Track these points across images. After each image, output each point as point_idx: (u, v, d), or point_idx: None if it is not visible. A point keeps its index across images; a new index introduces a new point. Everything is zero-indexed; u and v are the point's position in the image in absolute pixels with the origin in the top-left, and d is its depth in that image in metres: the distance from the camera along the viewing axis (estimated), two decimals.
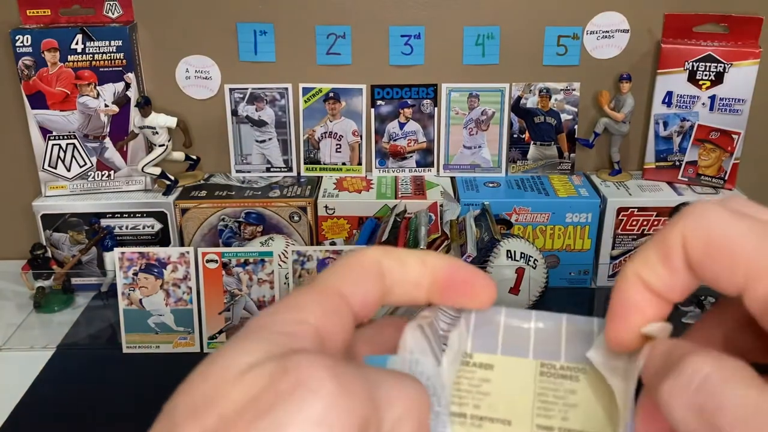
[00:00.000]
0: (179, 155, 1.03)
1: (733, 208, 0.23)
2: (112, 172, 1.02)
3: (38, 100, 0.97)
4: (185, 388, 0.21)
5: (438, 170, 1.07)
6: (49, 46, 0.94)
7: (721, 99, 0.96)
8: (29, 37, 0.94)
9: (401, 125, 1.05)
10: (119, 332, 0.88)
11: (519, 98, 1.03)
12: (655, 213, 0.97)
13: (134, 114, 0.99)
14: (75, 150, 0.99)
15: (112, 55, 0.96)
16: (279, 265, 0.86)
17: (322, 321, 0.24)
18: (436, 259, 0.27)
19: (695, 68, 0.96)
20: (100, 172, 1.01)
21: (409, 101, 1.04)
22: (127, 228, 1.00)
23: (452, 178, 1.06)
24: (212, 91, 1.04)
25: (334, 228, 0.99)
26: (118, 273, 0.86)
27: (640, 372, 0.24)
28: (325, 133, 1.05)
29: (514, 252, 0.88)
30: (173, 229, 1.00)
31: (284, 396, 0.20)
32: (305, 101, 1.04)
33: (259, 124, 1.05)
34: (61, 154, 0.99)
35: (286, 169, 1.07)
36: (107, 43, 0.96)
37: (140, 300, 0.87)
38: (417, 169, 1.07)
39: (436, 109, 1.04)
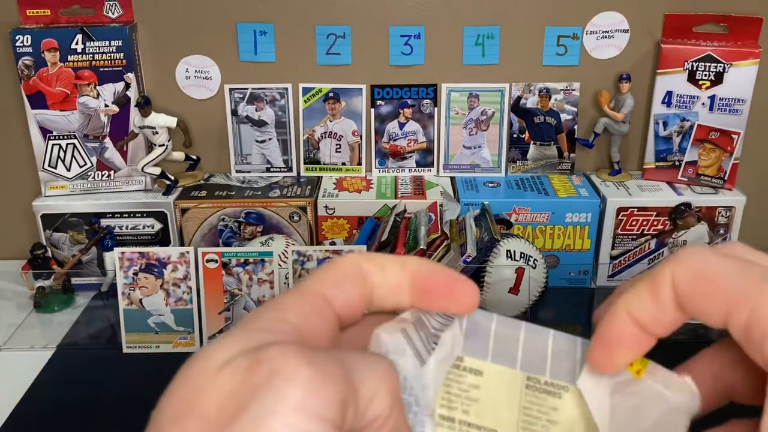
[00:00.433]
0: (179, 155, 1.04)
1: (722, 252, 0.25)
2: (112, 172, 1.02)
3: (38, 100, 0.97)
4: (167, 393, 0.22)
5: (438, 170, 1.07)
6: (49, 46, 0.94)
7: (720, 99, 0.96)
8: (29, 37, 0.94)
9: (401, 125, 1.05)
10: (119, 332, 0.88)
11: (519, 98, 1.03)
12: (654, 213, 0.97)
13: (134, 114, 0.99)
14: (75, 150, 1.00)
15: (112, 55, 0.96)
16: (279, 265, 0.86)
17: (302, 320, 0.24)
18: (415, 263, 0.27)
19: (695, 68, 0.96)
20: (100, 172, 1.01)
21: (409, 101, 1.04)
22: (127, 228, 1.00)
23: (452, 178, 1.06)
24: (212, 91, 1.04)
25: (334, 228, 0.99)
26: (118, 273, 0.86)
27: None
28: (325, 133, 1.05)
29: (514, 252, 0.88)
30: (173, 229, 1.00)
31: (261, 387, 0.20)
32: (305, 101, 1.04)
33: (259, 124, 1.05)
34: (61, 154, 0.99)
35: (286, 169, 1.07)
36: (107, 43, 0.96)
37: (140, 300, 0.87)
38: (417, 169, 1.07)
39: (436, 109, 1.04)
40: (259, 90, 1.03)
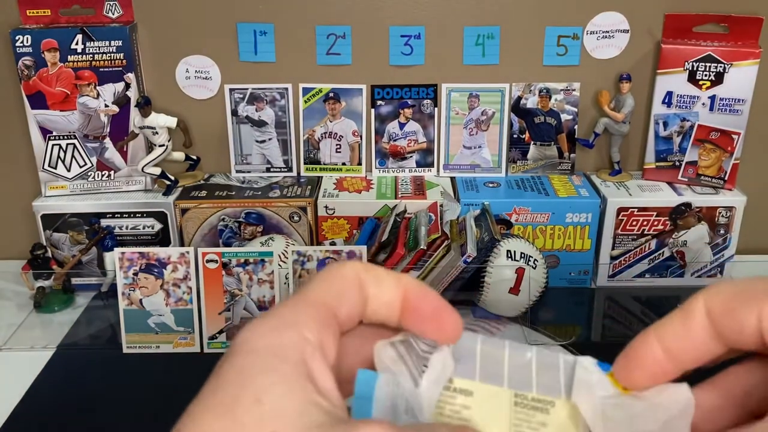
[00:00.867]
0: (179, 155, 1.04)
1: (749, 278, 0.26)
2: (112, 172, 1.02)
3: (38, 100, 0.97)
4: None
5: (438, 170, 1.07)
6: (49, 46, 0.94)
7: (721, 99, 0.96)
8: (29, 37, 0.94)
9: (401, 125, 1.05)
10: (119, 332, 0.88)
11: (519, 98, 1.03)
12: (655, 213, 0.97)
13: (134, 114, 0.99)
14: (75, 150, 1.00)
15: (112, 55, 0.96)
16: (279, 265, 0.86)
17: (319, 336, 0.24)
18: (410, 281, 0.27)
19: (695, 68, 0.96)
20: (100, 172, 1.01)
21: (409, 101, 1.04)
22: (127, 228, 1.00)
23: (452, 178, 1.06)
24: (212, 91, 1.04)
25: (334, 228, 0.99)
26: (118, 273, 0.86)
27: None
28: (325, 133, 1.05)
29: (514, 252, 0.88)
30: (173, 229, 1.00)
31: None
32: (305, 101, 1.04)
33: (259, 124, 1.05)
34: (61, 154, 0.99)
35: (286, 169, 1.07)
36: (107, 43, 0.96)
37: (140, 300, 0.87)
38: (417, 169, 1.07)
39: (436, 109, 1.04)
40: (260, 90, 1.03)
